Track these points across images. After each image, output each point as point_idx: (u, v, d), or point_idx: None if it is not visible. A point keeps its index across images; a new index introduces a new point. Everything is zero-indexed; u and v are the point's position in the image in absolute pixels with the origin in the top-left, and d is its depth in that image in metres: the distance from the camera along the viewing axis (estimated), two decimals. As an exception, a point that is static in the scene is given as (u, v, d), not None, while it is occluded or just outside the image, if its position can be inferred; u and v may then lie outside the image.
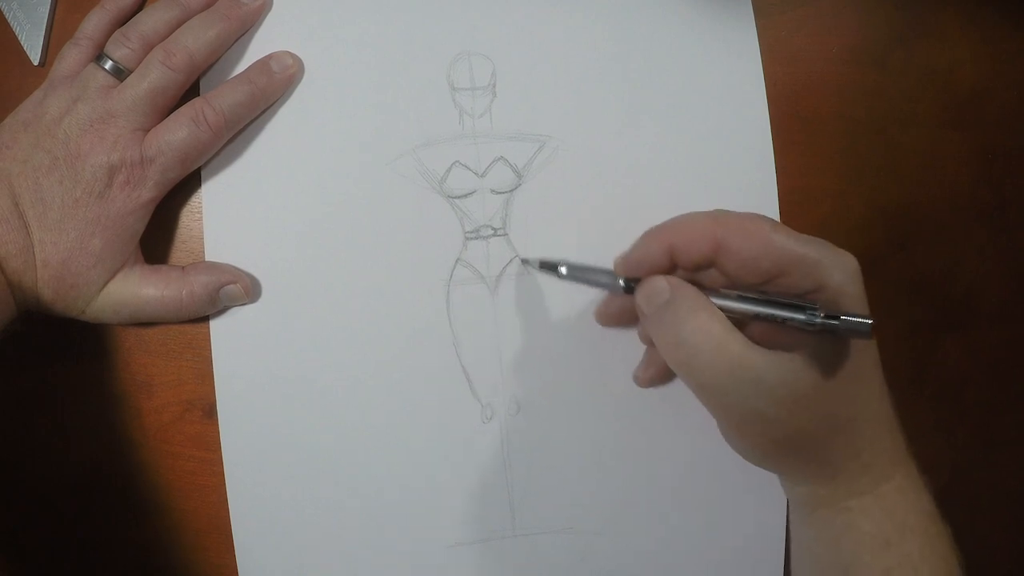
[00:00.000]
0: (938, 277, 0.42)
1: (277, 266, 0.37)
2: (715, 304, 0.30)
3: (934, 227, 0.41)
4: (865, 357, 0.30)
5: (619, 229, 0.38)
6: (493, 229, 0.38)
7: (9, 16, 0.38)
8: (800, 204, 0.40)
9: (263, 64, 0.37)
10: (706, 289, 0.31)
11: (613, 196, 0.39)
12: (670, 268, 0.32)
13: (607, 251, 0.38)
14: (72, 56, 0.35)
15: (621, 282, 0.33)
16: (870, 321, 0.28)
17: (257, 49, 0.38)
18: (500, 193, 0.38)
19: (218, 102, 0.35)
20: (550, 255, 0.37)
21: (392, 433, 0.38)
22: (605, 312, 0.36)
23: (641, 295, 0.32)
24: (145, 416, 0.38)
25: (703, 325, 0.29)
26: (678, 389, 0.37)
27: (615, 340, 0.38)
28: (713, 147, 0.39)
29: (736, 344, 0.29)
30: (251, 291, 0.37)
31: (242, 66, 0.37)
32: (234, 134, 0.37)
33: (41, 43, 0.38)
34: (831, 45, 0.41)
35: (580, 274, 0.34)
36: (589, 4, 0.39)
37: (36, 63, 0.38)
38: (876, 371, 0.30)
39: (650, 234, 0.33)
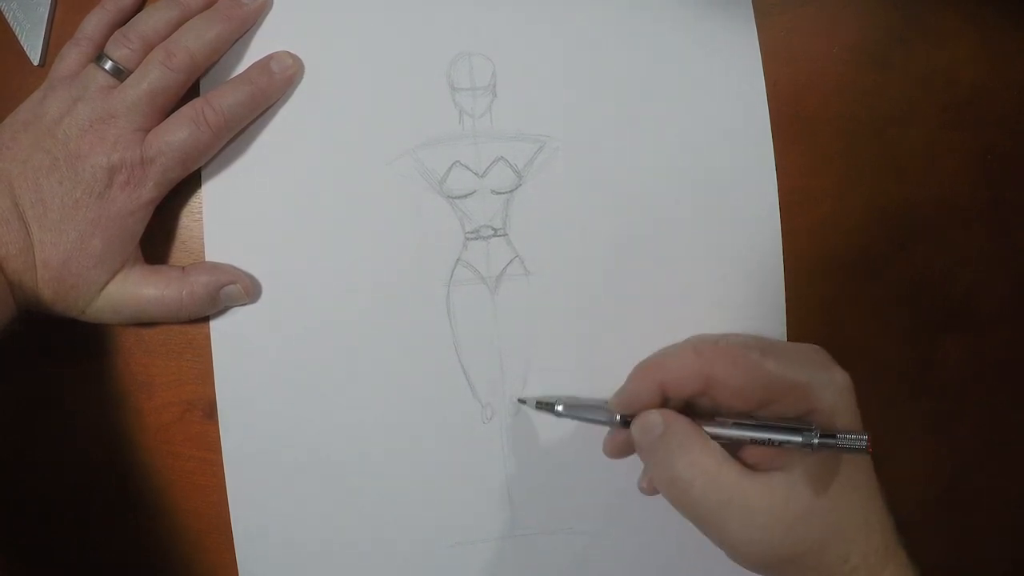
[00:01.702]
0: (938, 277, 0.42)
1: (277, 266, 0.37)
2: (709, 432, 0.31)
3: (934, 227, 0.41)
4: (858, 467, 0.31)
5: (619, 230, 0.39)
6: (493, 229, 0.38)
7: (9, 16, 0.38)
8: (800, 204, 0.40)
9: (263, 64, 0.37)
10: (701, 417, 0.32)
11: (613, 196, 0.39)
12: (662, 402, 0.33)
13: (606, 252, 0.38)
14: (72, 56, 0.35)
15: (617, 417, 0.34)
16: (866, 438, 0.29)
17: (257, 49, 0.38)
18: (500, 193, 0.38)
19: (218, 102, 0.35)
20: (556, 268, 0.38)
21: (392, 433, 0.38)
22: (611, 446, 0.37)
23: (636, 429, 0.33)
24: (145, 416, 0.38)
25: (696, 460, 0.31)
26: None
27: (614, 341, 0.38)
28: (713, 147, 0.39)
29: (729, 474, 0.30)
30: (251, 291, 0.37)
31: (242, 66, 0.37)
32: (234, 134, 0.37)
33: (41, 43, 0.38)
34: (831, 45, 0.41)
35: (577, 412, 0.36)
36: (589, 4, 0.39)
37: (36, 63, 0.38)
38: (868, 476, 0.31)
39: (639, 373, 0.34)
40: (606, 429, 0.37)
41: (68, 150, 0.33)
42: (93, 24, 0.36)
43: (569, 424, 0.38)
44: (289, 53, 0.37)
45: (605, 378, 0.38)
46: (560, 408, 0.36)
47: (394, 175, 0.38)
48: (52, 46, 0.39)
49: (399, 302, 0.38)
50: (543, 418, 0.38)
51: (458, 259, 0.38)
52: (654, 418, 0.32)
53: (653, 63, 0.39)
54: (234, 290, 0.36)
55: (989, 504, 0.43)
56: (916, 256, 0.41)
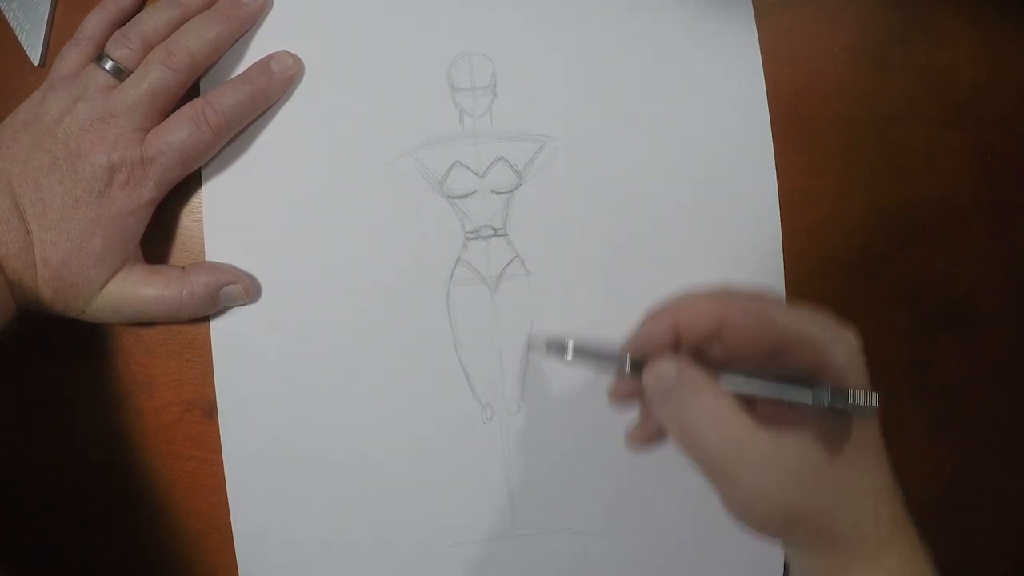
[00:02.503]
0: (938, 277, 0.42)
1: (277, 266, 0.37)
2: (721, 385, 0.31)
3: (934, 227, 0.41)
4: (867, 430, 0.30)
5: (619, 230, 0.39)
6: (493, 229, 0.38)
7: (9, 16, 0.38)
8: (800, 204, 0.40)
9: (263, 64, 0.37)
10: (713, 369, 0.32)
11: (613, 196, 0.39)
12: (675, 346, 0.33)
13: (606, 252, 0.38)
14: (72, 56, 0.35)
15: (628, 363, 0.33)
16: (876, 397, 0.29)
17: (257, 49, 0.38)
18: (500, 193, 0.38)
19: (219, 102, 0.35)
20: (556, 268, 0.38)
21: (392, 433, 0.38)
22: (617, 394, 0.37)
23: (649, 377, 0.32)
24: (145, 416, 0.38)
25: (709, 408, 0.30)
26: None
27: (615, 342, 0.38)
28: (713, 147, 0.39)
29: (741, 426, 0.30)
30: (251, 291, 0.37)
31: (242, 66, 0.37)
32: (234, 134, 0.37)
33: (41, 43, 0.38)
34: (831, 45, 0.41)
35: (587, 356, 0.35)
36: (589, 4, 0.39)
37: (36, 63, 0.38)
38: (877, 442, 0.31)
39: (654, 314, 0.34)
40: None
41: (68, 149, 0.33)
42: (93, 24, 0.36)
43: (569, 424, 0.38)
44: (289, 53, 0.37)
45: (604, 377, 0.38)
46: (570, 354, 0.34)
47: (394, 175, 0.38)
48: (52, 46, 0.39)
49: (399, 302, 0.38)
50: (543, 418, 0.38)
51: (458, 259, 0.38)
52: (667, 366, 0.31)
53: (653, 63, 0.39)
54: (234, 290, 0.36)
55: (989, 504, 0.43)
56: (916, 256, 0.41)
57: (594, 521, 0.38)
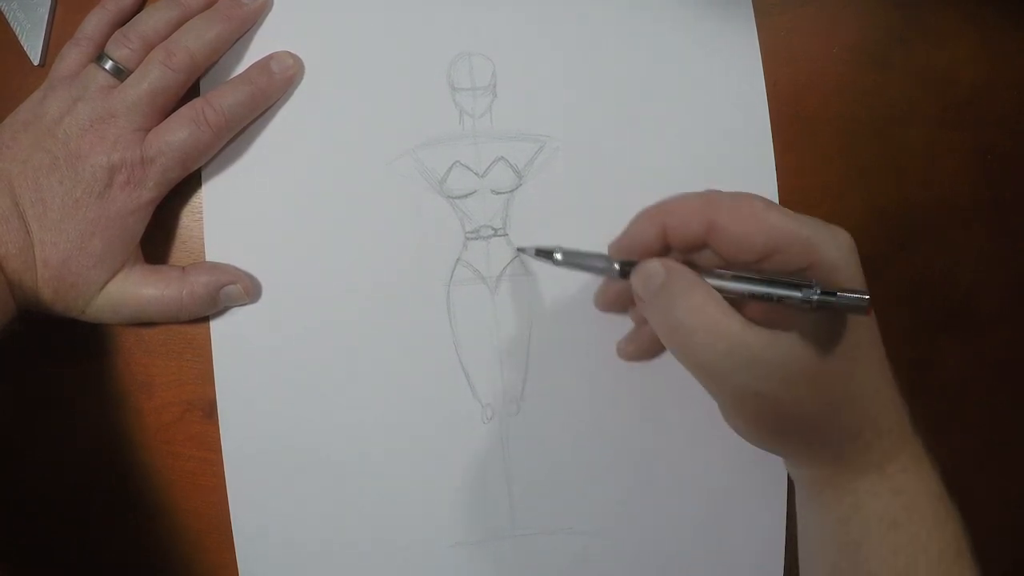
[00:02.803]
0: (938, 277, 0.42)
1: (277, 266, 0.37)
2: (710, 284, 0.30)
3: (934, 227, 0.41)
4: (864, 334, 0.29)
5: (619, 230, 0.38)
6: (493, 229, 0.38)
7: (9, 16, 0.38)
8: (800, 204, 0.40)
9: (263, 64, 0.37)
10: (701, 270, 0.31)
11: (613, 196, 0.39)
12: (664, 250, 0.32)
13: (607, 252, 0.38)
14: (72, 56, 0.35)
15: (616, 266, 0.33)
16: (867, 295, 0.28)
17: (257, 49, 0.38)
18: (500, 193, 0.38)
19: (219, 102, 0.35)
20: (557, 267, 0.37)
21: (392, 433, 0.38)
22: (603, 297, 0.36)
23: (636, 278, 0.31)
24: (145, 416, 0.38)
25: (698, 306, 0.29)
26: (678, 390, 0.37)
27: (615, 340, 0.38)
28: (713, 147, 0.39)
29: (732, 324, 0.29)
30: (251, 291, 0.37)
31: (242, 66, 0.37)
32: (234, 134, 0.37)
33: (41, 43, 0.38)
34: (831, 45, 0.41)
35: (575, 259, 0.34)
36: (589, 4, 0.39)
37: (36, 63, 0.38)
38: (876, 348, 0.30)
39: (643, 216, 0.33)
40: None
41: (68, 150, 0.33)
42: (93, 24, 0.36)
43: (569, 424, 0.38)
44: (289, 53, 0.37)
45: (605, 377, 0.38)
46: (558, 256, 0.34)
47: (394, 175, 0.38)
48: (52, 46, 0.39)
49: (399, 302, 0.38)
50: (543, 418, 0.38)
51: (458, 259, 0.38)
52: (655, 266, 0.31)
53: (653, 63, 0.39)
54: (234, 290, 0.36)
55: (989, 504, 0.43)
56: (916, 256, 0.41)
57: (594, 521, 0.38)
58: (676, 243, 0.32)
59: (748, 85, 0.40)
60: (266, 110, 0.37)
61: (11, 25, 0.38)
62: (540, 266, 0.38)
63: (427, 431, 0.38)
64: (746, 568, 0.39)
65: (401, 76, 0.38)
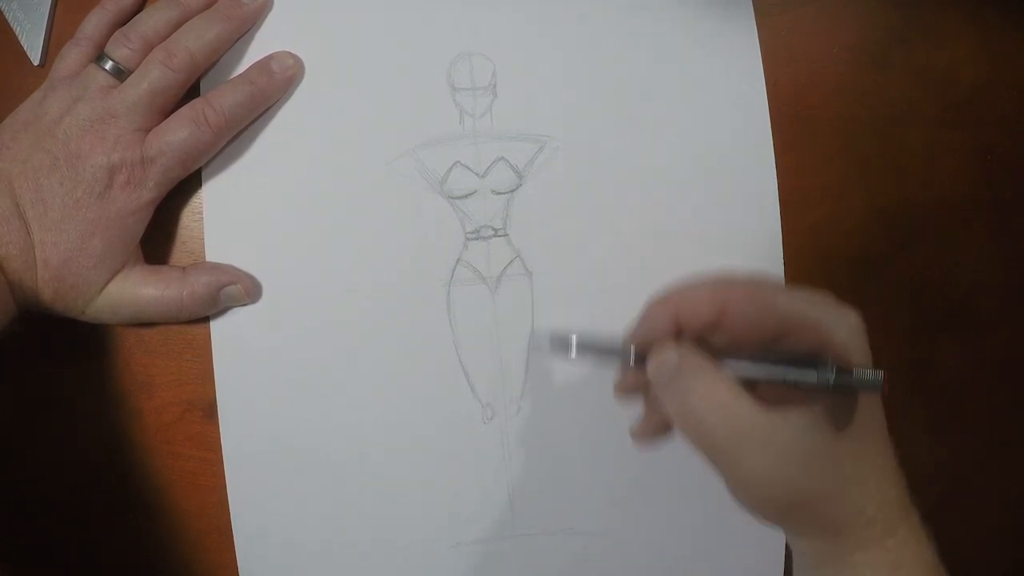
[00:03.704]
0: (938, 278, 0.42)
1: (277, 266, 0.37)
2: (724, 368, 0.31)
3: (934, 227, 0.41)
4: (871, 412, 0.30)
5: (619, 230, 0.39)
6: (494, 230, 0.38)
7: (9, 16, 0.38)
8: (800, 204, 0.40)
9: (263, 64, 0.37)
10: (715, 354, 0.32)
11: (613, 196, 0.39)
12: (677, 335, 0.33)
13: (607, 252, 0.38)
14: (72, 56, 0.35)
15: (632, 355, 0.33)
16: (882, 374, 0.28)
17: (257, 49, 0.38)
18: (501, 193, 0.38)
19: (219, 102, 0.35)
20: (557, 268, 0.38)
21: (392, 433, 0.38)
22: (622, 388, 0.37)
23: (652, 365, 0.32)
24: (145, 416, 0.38)
25: (710, 391, 0.30)
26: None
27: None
28: (713, 147, 0.39)
29: (744, 409, 0.29)
30: (251, 291, 0.37)
31: (243, 66, 0.37)
32: (234, 134, 0.37)
33: (41, 43, 0.38)
34: (831, 45, 0.41)
35: (591, 351, 0.35)
36: (589, 4, 0.39)
37: (36, 63, 0.38)
38: (881, 425, 0.31)
39: (655, 304, 0.34)
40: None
41: (68, 150, 0.33)
42: (93, 24, 0.36)
43: (569, 424, 0.38)
44: (289, 53, 0.37)
45: (605, 378, 0.38)
46: (573, 353, 0.34)
47: (394, 175, 0.38)
48: (52, 46, 0.39)
49: (399, 302, 0.38)
50: (543, 418, 0.38)
51: (458, 259, 0.38)
52: (669, 353, 0.31)
53: (653, 63, 0.39)
54: (234, 290, 0.36)
55: (989, 504, 0.43)
56: (916, 256, 0.41)
57: (594, 521, 0.38)
58: (688, 328, 0.33)
59: (748, 85, 0.40)
60: (266, 110, 0.37)
61: (11, 25, 0.38)
62: (540, 266, 0.38)
63: (427, 431, 0.38)
64: (746, 569, 0.39)
65: (401, 76, 0.38)
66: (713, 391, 0.30)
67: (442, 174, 0.38)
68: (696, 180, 0.39)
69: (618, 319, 0.38)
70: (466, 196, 0.38)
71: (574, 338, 0.34)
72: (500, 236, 0.38)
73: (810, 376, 0.29)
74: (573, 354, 0.34)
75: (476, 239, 0.38)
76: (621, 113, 0.39)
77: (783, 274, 0.39)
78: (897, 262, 0.41)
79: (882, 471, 0.30)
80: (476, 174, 0.38)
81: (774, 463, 0.29)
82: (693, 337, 0.33)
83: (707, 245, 0.39)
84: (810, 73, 0.41)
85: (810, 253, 0.40)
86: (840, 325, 0.30)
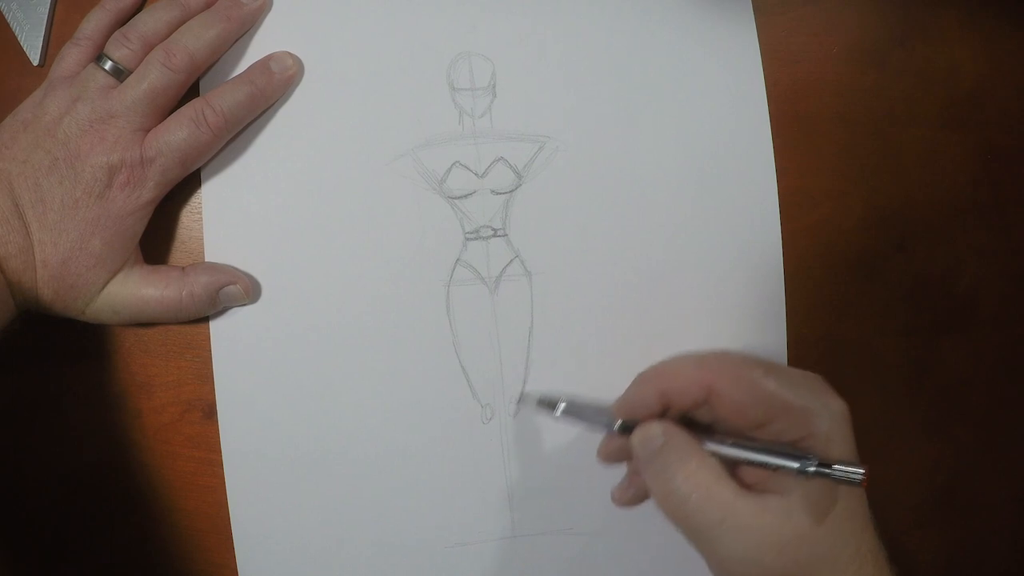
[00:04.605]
0: (937, 278, 0.42)
1: (277, 266, 0.37)
2: (708, 449, 0.32)
3: (934, 227, 0.41)
4: (852, 496, 0.31)
5: (619, 230, 0.39)
6: (493, 230, 0.38)
7: (9, 16, 0.38)
8: (800, 204, 0.40)
9: (263, 64, 0.37)
10: (700, 433, 0.32)
11: (613, 197, 0.39)
12: (664, 410, 0.34)
13: (606, 252, 0.38)
14: (72, 56, 0.35)
15: (617, 425, 0.34)
16: (862, 471, 0.29)
17: (257, 49, 0.38)
18: (500, 194, 0.38)
19: (218, 102, 0.35)
20: (556, 268, 0.38)
21: (392, 433, 0.38)
22: (606, 451, 0.37)
23: (636, 439, 0.33)
24: (145, 416, 0.38)
25: (692, 474, 0.31)
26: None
27: (614, 341, 0.38)
28: (713, 147, 0.39)
29: (725, 492, 0.30)
30: (251, 292, 0.37)
31: (242, 66, 0.37)
32: (234, 134, 0.37)
33: (41, 43, 0.38)
34: (831, 45, 0.41)
35: (577, 416, 0.36)
36: (589, 4, 0.39)
37: (36, 63, 0.38)
38: (861, 505, 0.31)
39: (643, 379, 0.35)
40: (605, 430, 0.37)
41: (68, 150, 0.33)
42: (93, 24, 0.36)
43: (572, 429, 0.38)
44: (289, 53, 0.37)
45: (605, 378, 0.38)
46: (559, 412, 0.36)
47: (394, 175, 0.38)
48: (52, 46, 0.39)
49: (399, 302, 0.38)
50: (543, 419, 0.38)
51: (458, 259, 0.38)
52: (655, 430, 0.32)
53: (653, 63, 0.39)
54: (234, 290, 0.36)
55: (989, 504, 0.43)
56: (915, 256, 0.41)
57: (594, 522, 0.38)
58: (675, 405, 0.33)
59: (748, 85, 0.40)
60: (266, 110, 0.37)
61: (11, 25, 0.38)
62: (540, 266, 0.38)
63: (427, 431, 0.38)
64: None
65: (401, 76, 0.38)
66: (696, 473, 0.31)
67: (441, 174, 0.38)
68: (696, 180, 0.39)
69: (617, 319, 0.38)
70: (465, 196, 0.38)
71: (561, 405, 0.36)
72: (499, 236, 0.38)
73: (791, 465, 0.30)
74: (558, 414, 0.36)
75: (475, 239, 0.38)
76: (621, 113, 0.39)
77: (783, 274, 0.39)
78: (897, 262, 0.41)
79: (859, 549, 0.31)
80: (475, 174, 0.38)
81: (751, 547, 0.30)
82: (679, 413, 0.34)
83: (707, 245, 0.39)
84: (810, 73, 0.41)
85: (810, 253, 0.40)
86: (823, 415, 0.31)
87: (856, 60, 0.41)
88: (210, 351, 0.37)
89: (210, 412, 0.37)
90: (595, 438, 0.38)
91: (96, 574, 0.38)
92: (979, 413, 0.42)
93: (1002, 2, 0.42)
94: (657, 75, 0.39)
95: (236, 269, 0.37)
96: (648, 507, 0.39)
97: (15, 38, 0.38)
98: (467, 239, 0.38)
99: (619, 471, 0.38)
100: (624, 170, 0.39)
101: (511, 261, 0.38)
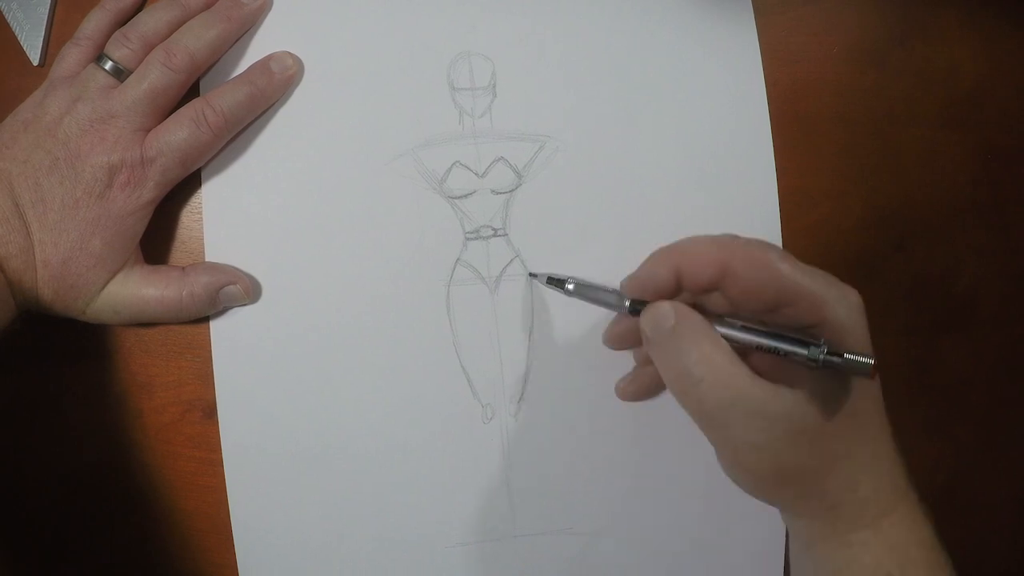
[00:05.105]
0: (937, 277, 0.42)
1: (277, 266, 0.37)
2: (720, 333, 0.30)
3: (933, 227, 0.41)
4: (866, 393, 0.30)
5: (619, 230, 0.39)
6: (493, 229, 0.38)
7: (9, 16, 0.38)
8: (800, 204, 0.40)
9: (263, 65, 0.37)
10: (711, 316, 0.31)
11: (613, 196, 0.39)
12: (676, 290, 0.33)
13: (606, 252, 0.38)
14: (72, 56, 0.35)
15: (627, 303, 0.33)
16: (871, 361, 0.28)
17: (257, 49, 0.38)
18: (500, 193, 0.38)
19: (219, 102, 0.35)
20: (556, 268, 0.38)
21: (392, 433, 0.38)
22: (613, 333, 0.36)
23: (646, 320, 0.32)
24: (145, 416, 0.38)
25: (706, 354, 0.30)
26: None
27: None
28: (713, 147, 0.39)
29: (739, 375, 0.29)
30: (251, 292, 0.37)
31: (242, 66, 0.37)
32: (234, 134, 0.37)
33: (41, 43, 0.38)
34: (831, 45, 0.41)
35: (586, 292, 0.35)
36: (589, 4, 0.39)
37: (36, 63, 0.38)
38: (877, 407, 0.31)
39: (657, 256, 0.33)
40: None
41: (68, 150, 0.33)
42: (93, 24, 0.36)
43: (569, 424, 0.38)
44: (289, 53, 0.37)
45: (605, 378, 0.38)
46: (570, 286, 0.35)
47: (394, 175, 0.38)
48: (52, 46, 0.39)
49: (399, 302, 0.38)
50: (543, 419, 0.38)
51: (458, 259, 0.38)
52: (665, 309, 0.31)
53: (653, 63, 0.39)
54: (234, 290, 0.36)
55: (989, 504, 0.43)
56: (915, 256, 0.41)
57: (595, 522, 0.38)
58: (688, 285, 0.32)
59: (748, 85, 0.40)
60: (266, 110, 0.37)
61: (11, 25, 0.38)
62: (540, 266, 0.38)
63: (427, 431, 0.38)
64: (746, 568, 0.39)
65: (401, 76, 0.38)
66: (709, 355, 0.29)
67: (442, 174, 0.38)
68: (696, 180, 0.39)
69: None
70: (466, 196, 0.38)
71: (570, 285, 0.35)
72: (500, 236, 0.38)
73: (801, 351, 0.29)
74: (570, 287, 0.35)
75: (476, 239, 0.38)
76: (621, 113, 0.39)
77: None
78: (896, 262, 0.41)
79: (876, 452, 0.30)
80: (476, 174, 0.38)
81: (764, 433, 0.29)
82: (692, 294, 0.32)
83: (707, 245, 0.39)
84: (810, 73, 0.41)
85: (810, 253, 0.40)
86: (840, 303, 0.29)
87: (856, 60, 0.41)
88: (210, 351, 0.37)
89: (210, 412, 0.37)
90: (596, 436, 0.38)
91: (96, 574, 0.38)
92: (979, 413, 0.42)
93: (1002, 2, 0.42)
94: (657, 75, 0.39)
95: (236, 269, 0.37)
96: (648, 507, 0.39)
97: (15, 38, 0.38)
98: (467, 239, 0.38)
99: (623, 468, 0.38)
100: (624, 170, 0.39)
101: (511, 261, 0.38)
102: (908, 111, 0.41)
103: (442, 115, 0.38)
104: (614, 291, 0.34)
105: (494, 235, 0.38)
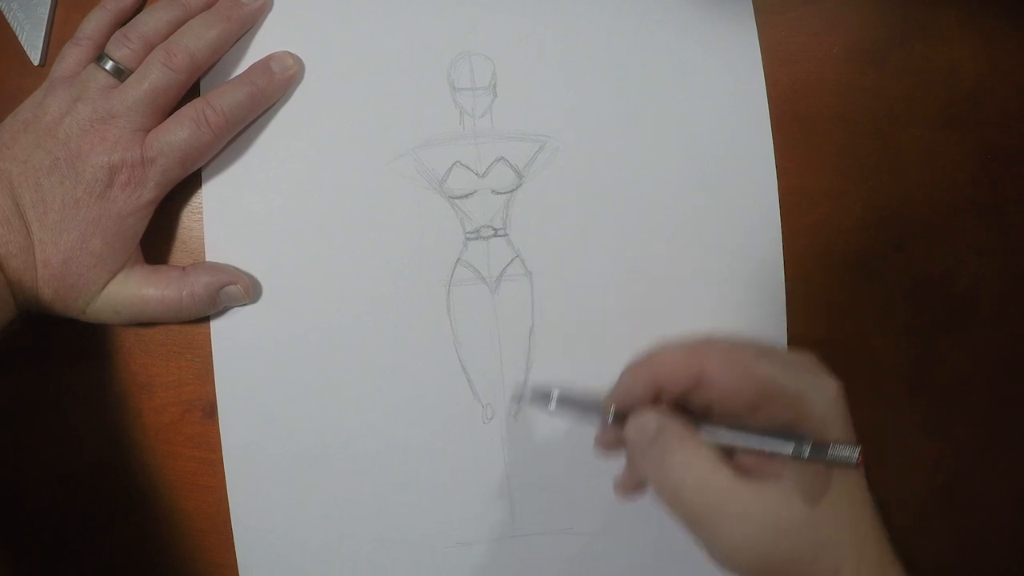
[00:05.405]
0: (937, 277, 0.42)
1: (277, 266, 0.37)
2: (703, 435, 0.31)
3: (933, 227, 0.41)
4: (849, 476, 0.31)
5: (619, 230, 0.39)
6: (494, 229, 0.38)
7: (9, 16, 0.38)
8: (800, 204, 0.40)
9: (264, 65, 0.37)
10: (694, 420, 0.32)
11: (613, 196, 0.39)
12: (656, 398, 0.33)
13: (606, 252, 0.38)
14: (72, 56, 0.35)
15: (611, 414, 0.34)
16: (857, 451, 0.29)
17: (258, 49, 0.38)
18: (501, 193, 0.38)
19: (219, 102, 0.35)
20: (557, 268, 0.38)
21: (392, 433, 0.38)
22: (603, 442, 0.37)
23: (630, 429, 0.33)
24: (145, 416, 0.38)
25: (688, 461, 0.30)
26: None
27: (615, 341, 0.38)
28: (713, 147, 0.39)
29: (721, 479, 0.30)
30: (251, 291, 0.37)
31: (243, 66, 0.37)
32: (235, 134, 0.37)
33: (41, 43, 0.38)
34: (831, 45, 0.41)
35: (570, 409, 0.36)
36: (589, 4, 0.39)
37: (36, 63, 0.38)
38: (860, 489, 0.31)
39: (632, 370, 0.34)
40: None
41: (69, 150, 0.33)
42: (93, 24, 0.36)
43: (568, 423, 0.38)
44: (289, 53, 0.37)
45: (605, 378, 0.38)
46: (552, 406, 0.35)
47: (394, 175, 0.38)
48: (52, 46, 0.39)
49: (399, 302, 0.38)
50: (543, 419, 0.38)
51: (458, 259, 0.38)
52: (648, 418, 0.32)
53: (653, 63, 0.39)
54: (234, 290, 0.36)
55: (989, 504, 0.43)
56: (915, 256, 0.41)
57: (595, 522, 0.38)
58: (667, 392, 0.33)
59: (748, 85, 0.40)
60: (266, 110, 0.37)
61: (11, 25, 0.38)
62: (540, 266, 0.38)
63: (427, 431, 0.38)
64: None
65: (401, 76, 0.38)
66: (691, 460, 0.30)
67: (442, 174, 0.38)
68: (696, 180, 0.39)
69: (617, 320, 0.38)
70: (466, 196, 0.38)
71: (555, 392, 0.35)
72: (500, 236, 0.38)
73: (787, 448, 0.30)
74: (552, 407, 0.35)
75: (476, 239, 0.38)
76: (621, 113, 0.39)
77: (783, 274, 0.39)
78: (896, 262, 0.41)
79: (859, 534, 0.31)
80: (476, 174, 0.38)
81: (751, 534, 0.30)
82: (672, 401, 0.33)
83: (707, 245, 0.39)
84: (810, 73, 0.41)
85: (810, 253, 0.40)
86: (818, 396, 0.30)
87: (856, 60, 0.41)
88: (211, 351, 0.37)
89: (211, 412, 0.37)
90: (592, 435, 0.38)
91: (96, 574, 0.38)
92: (979, 413, 0.42)
93: (1002, 2, 0.42)
94: (657, 75, 0.39)
95: (237, 269, 0.37)
96: (648, 506, 0.39)
97: (15, 38, 0.38)
98: (467, 239, 0.38)
99: (619, 467, 0.38)
100: (624, 170, 0.39)
101: (512, 261, 0.38)
102: (908, 111, 0.41)
103: (442, 115, 0.38)
104: (597, 405, 0.35)
105: (494, 235, 0.38)
